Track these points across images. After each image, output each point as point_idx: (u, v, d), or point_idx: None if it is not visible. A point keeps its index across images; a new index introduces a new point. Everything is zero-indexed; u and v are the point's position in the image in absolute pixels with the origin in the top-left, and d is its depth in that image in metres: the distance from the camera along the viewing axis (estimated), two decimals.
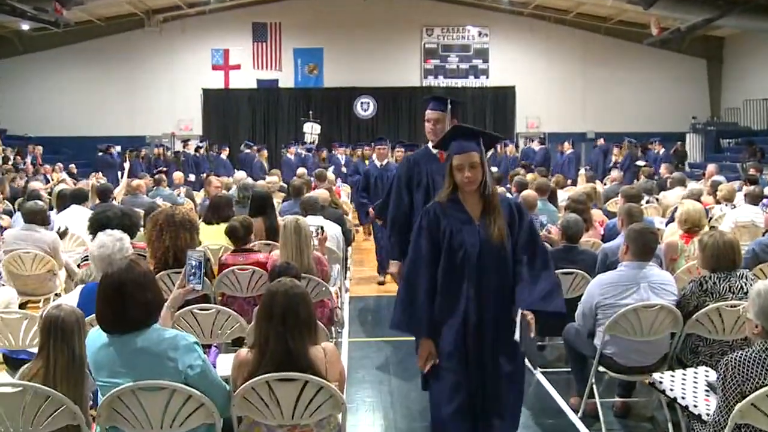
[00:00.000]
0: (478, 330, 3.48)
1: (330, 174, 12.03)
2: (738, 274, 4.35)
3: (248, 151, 18.92)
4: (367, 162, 12.77)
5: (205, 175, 14.27)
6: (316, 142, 20.50)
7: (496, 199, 3.56)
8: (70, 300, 4.11)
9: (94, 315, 3.09)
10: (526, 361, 5.69)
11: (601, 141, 19.15)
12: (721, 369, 3.03)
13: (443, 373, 3.51)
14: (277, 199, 9.22)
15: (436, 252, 3.52)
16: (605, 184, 12.64)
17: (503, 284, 3.53)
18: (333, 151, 18.66)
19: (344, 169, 17.29)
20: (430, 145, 4.89)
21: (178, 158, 18.59)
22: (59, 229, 7.20)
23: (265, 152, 18.32)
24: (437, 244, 3.53)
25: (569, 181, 14.06)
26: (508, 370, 3.52)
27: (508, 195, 7.29)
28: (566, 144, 18.33)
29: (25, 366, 3.13)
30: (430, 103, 4.97)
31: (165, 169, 14.12)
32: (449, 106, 4.83)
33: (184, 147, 19.77)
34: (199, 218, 6.61)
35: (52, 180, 14.50)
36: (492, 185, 3.57)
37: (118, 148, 18.39)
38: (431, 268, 3.51)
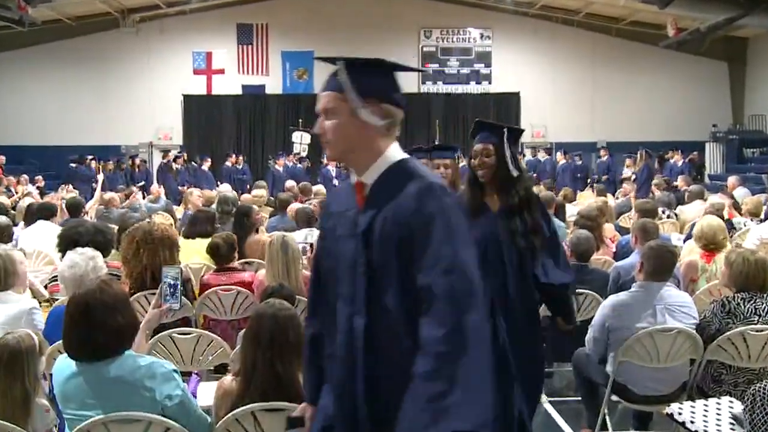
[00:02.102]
0: None
1: (320, 188, 12.06)
2: (765, 295, 4.36)
3: (228, 163, 19.04)
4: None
5: (185, 187, 14.29)
6: (306, 152, 20.54)
7: None
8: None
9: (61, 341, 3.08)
10: None
11: (603, 152, 19.31)
12: (747, 400, 3.02)
13: None
14: (264, 214, 9.25)
15: None
16: (617, 198, 12.68)
17: None
18: (324, 162, 18.74)
19: (336, 183, 17.40)
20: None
21: (171, 169, 18.62)
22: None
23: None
24: None
25: None
26: None
27: None
28: (559, 155, 18.74)
29: None
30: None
31: (143, 183, 14.17)
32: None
33: (164, 158, 19.80)
34: (179, 234, 6.63)
35: (17, 193, 14.46)
36: None
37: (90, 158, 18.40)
38: None
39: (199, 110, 23.44)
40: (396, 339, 2.20)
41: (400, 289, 2.20)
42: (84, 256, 4.23)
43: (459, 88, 23.72)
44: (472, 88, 23.79)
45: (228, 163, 19.16)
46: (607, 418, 4.61)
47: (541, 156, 19.94)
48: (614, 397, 4.54)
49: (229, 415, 3.01)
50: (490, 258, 3.77)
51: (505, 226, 3.82)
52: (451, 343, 2.03)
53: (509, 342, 3.64)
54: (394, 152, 2.37)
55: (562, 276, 3.89)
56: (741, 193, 11.28)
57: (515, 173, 3.86)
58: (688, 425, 3.77)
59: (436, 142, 20.33)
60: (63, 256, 4.69)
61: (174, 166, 19.08)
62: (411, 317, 2.14)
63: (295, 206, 8.36)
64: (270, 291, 4.44)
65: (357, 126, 2.32)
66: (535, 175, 17.74)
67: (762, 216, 8.68)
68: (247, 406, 2.99)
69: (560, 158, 19.13)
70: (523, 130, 4.22)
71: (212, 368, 4.61)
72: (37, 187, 15.68)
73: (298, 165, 18.73)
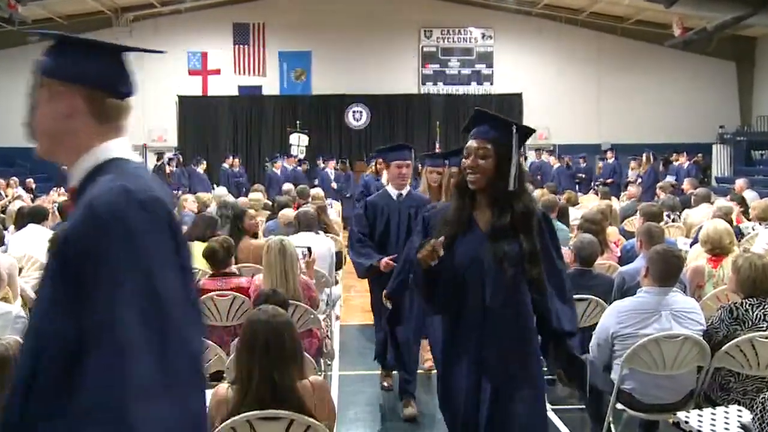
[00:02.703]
0: None
1: (318, 191, 12.07)
2: None
3: (226, 165, 19.06)
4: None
5: (179, 191, 14.29)
6: (304, 154, 20.59)
7: None
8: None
9: None
10: None
11: (609, 154, 19.36)
12: (756, 408, 3.01)
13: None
14: (261, 218, 9.25)
15: None
16: (622, 201, 12.69)
17: None
18: (321, 165, 18.83)
19: (334, 185, 17.48)
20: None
21: (163, 171, 18.66)
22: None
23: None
24: None
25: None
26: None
27: None
28: (553, 158, 18.92)
29: None
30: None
31: None
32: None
33: (158, 160, 19.82)
34: None
35: (7, 196, 14.46)
36: None
37: None
38: None
39: (194, 112, 23.41)
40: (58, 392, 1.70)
41: (69, 326, 1.65)
42: None
43: (460, 89, 23.71)
44: (473, 89, 23.78)
45: (225, 165, 19.18)
46: (612, 426, 4.60)
47: (545, 158, 19.99)
48: (619, 406, 4.53)
49: (226, 423, 3.01)
50: (469, 287, 3.20)
51: (491, 250, 3.13)
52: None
53: (487, 378, 3.24)
54: (110, 150, 1.89)
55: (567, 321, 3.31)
56: (749, 196, 11.28)
57: (512, 187, 3.09)
58: None
59: (436, 144, 20.40)
60: None
61: (168, 168, 19.09)
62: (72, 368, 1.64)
63: (287, 212, 8.37)
64: (263, 297, 4.44)
65: (56, 116, 1.85)
66: (539, 177, 17.81)
67: None
68: (243, 415, 2.99)
69: (554, 161, 19.26)
70: (533, 131, 3.36)
71: (208, 375, 4.61)
72: (28, 190, 15.69)
73: (298, 167, 18.76)
